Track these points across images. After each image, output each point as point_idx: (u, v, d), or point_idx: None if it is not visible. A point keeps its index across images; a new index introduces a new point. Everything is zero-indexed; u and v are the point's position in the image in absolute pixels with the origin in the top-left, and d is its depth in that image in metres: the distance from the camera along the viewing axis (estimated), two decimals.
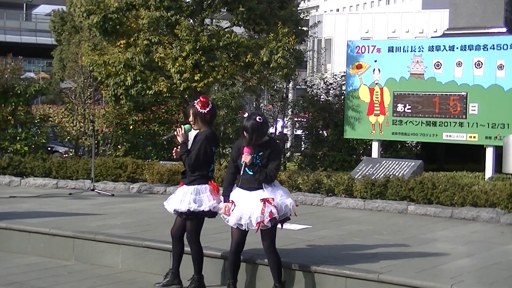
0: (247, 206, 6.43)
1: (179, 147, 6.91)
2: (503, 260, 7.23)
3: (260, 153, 6.43)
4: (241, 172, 6.45)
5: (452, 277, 6.36)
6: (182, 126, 6.89)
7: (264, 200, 6.37)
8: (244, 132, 6.43)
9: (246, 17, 15.15)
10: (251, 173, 6.42)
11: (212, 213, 6.87)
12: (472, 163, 14.67)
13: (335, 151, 15.91)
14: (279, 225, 6.57)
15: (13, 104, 14.89)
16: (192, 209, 6.73)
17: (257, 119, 6.37)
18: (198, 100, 6.84)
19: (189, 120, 6.90)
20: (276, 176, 6.51)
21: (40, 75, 46.58)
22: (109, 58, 14.91)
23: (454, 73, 13.83)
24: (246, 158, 6.37)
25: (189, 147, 6.84)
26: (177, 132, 6.87)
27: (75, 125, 17.63)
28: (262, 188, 6.44)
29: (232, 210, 6.50)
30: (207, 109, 6.82)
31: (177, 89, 14.84)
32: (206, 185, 6.79)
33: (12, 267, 7.85)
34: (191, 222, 6.85)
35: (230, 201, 6.55)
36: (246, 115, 6.50)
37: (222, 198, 6.70)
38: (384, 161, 12.87)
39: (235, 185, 6.60)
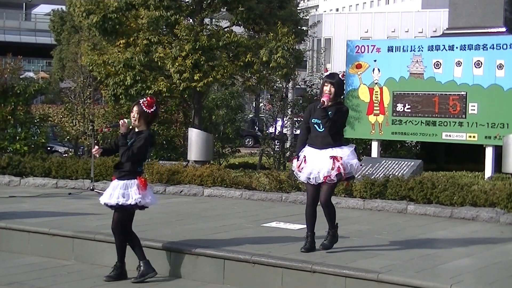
0: (317, 163, 7.17)
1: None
2: (503, 260, 7.22)
3: (329, 112, 7.19)
4: (320, 104, 7.19)
5: (452, 277, 6.36)
6: (125, 119, 7.22)
7: (333, 158, 7.12)
8: (326, 86, 7.25)
9: (245, 16, 15.14)
10: (321, 130, 7.18)
11: (140, 207, 7.26)
12: (472, 163, 14.67)
13: None
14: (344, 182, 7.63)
15: (13, 104, 14.87)
16: (120, 203, 7.13)
17: (340, 76, 7.45)
18: (145, 99, 7.24)
19: (132, 116, 7.21)
20: (339, 127, 7.30)
21: (39, 75, 46.57)
22: (109, 58, 14.90)
23: (454, 72, 13.83)
24: (325, 99, 7.15)
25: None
26: (121, 123, 7.19)
27: (75, 124, 17.64)
28: (331, 147, 7.19)
29: (303, 168, 7.26)
30: (152, 109, 7.22)
31: (176, 89, 14.84)
32: (135, 180, 7.17)
33: (11, 267, 7.84)
34: (118, 214, 7.24)
35: (303, 157, 7.29)
36: (328, 72, 7.50)
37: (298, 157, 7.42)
38: (384, 161, 12.87)
39: (307, 144, 7.36)
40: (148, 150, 7.45)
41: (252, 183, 11.88)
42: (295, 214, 9.80)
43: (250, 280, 7.09)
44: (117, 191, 7.15)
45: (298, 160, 7.36)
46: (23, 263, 8.06)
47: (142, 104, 7.17)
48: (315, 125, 7.24)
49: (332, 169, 7.10)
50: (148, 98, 7.31)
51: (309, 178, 7.23)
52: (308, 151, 7.31)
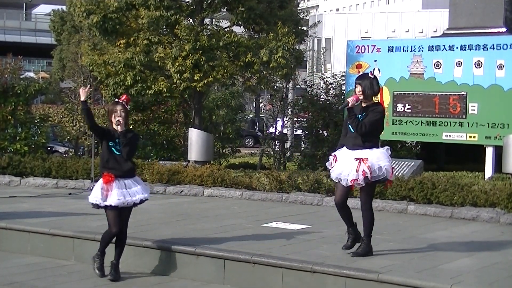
0: (347, 164, 7.07)
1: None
2: (503, 260, 7.23)
3: (364, 113, 7.10)
4: (344, 104, 7.15)
5: (452, 277, 6.36)
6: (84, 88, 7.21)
7: (359, 159, 6.98)
8: (356, 88, 7.15)
9: (246, 16, 15.13)
10: (353, 130, 7.07)
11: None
12: (472, 163, 14.68)
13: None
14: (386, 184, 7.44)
15: (13, 104, 14.87)
16: (147, 198, 7.27)
17: (370, 74, 7.22)
18: (124, 98, 7.20)
19: (119, 117, 7.05)
20: (369, 129, 7.02)
21: (39, 75, 46.58)
22: (109, 58, 14.89)
23: (454, 73, 13.84)
24: (350, 99, 7.08)
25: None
26: (82, 91, 7.11)
27: (75, 125, 17.64)
28: (362, 148, 7.05)
29: (333, 166, 7.19)
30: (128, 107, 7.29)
31: (177, 89, 14.83)
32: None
33: (12, 267, 7.84)
34: (129, 211, 7.30)
35: (333, 156, 7.24)
36: (360, 73, 7.56)
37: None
38: None
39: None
40: None
41: (252, 183, 11.88)
42: (295, 214, 9.81)
43: (250, 280, 7.09)
44: (140, 187, 7.18)
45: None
46: (23, 263, 8.06)
47: (126, 105, 7.13)
48: (349, 126, 7.19)
49: (357, 171, 6.96)
50: (125, 95, 7.36)
51: (340, 179, 7.14)
52: (340, 151, 7.26)
